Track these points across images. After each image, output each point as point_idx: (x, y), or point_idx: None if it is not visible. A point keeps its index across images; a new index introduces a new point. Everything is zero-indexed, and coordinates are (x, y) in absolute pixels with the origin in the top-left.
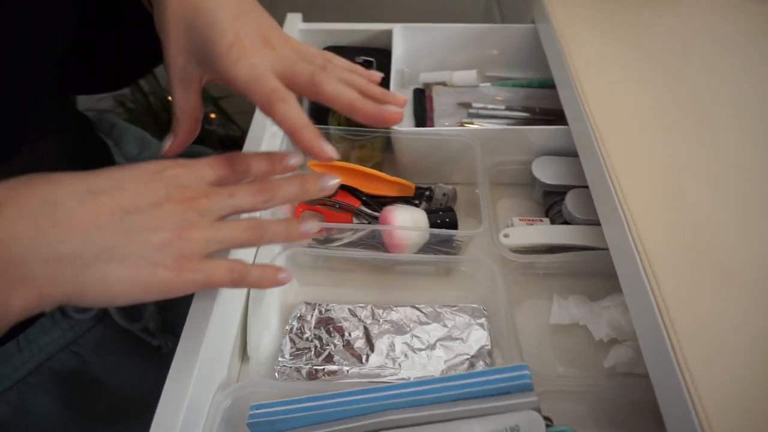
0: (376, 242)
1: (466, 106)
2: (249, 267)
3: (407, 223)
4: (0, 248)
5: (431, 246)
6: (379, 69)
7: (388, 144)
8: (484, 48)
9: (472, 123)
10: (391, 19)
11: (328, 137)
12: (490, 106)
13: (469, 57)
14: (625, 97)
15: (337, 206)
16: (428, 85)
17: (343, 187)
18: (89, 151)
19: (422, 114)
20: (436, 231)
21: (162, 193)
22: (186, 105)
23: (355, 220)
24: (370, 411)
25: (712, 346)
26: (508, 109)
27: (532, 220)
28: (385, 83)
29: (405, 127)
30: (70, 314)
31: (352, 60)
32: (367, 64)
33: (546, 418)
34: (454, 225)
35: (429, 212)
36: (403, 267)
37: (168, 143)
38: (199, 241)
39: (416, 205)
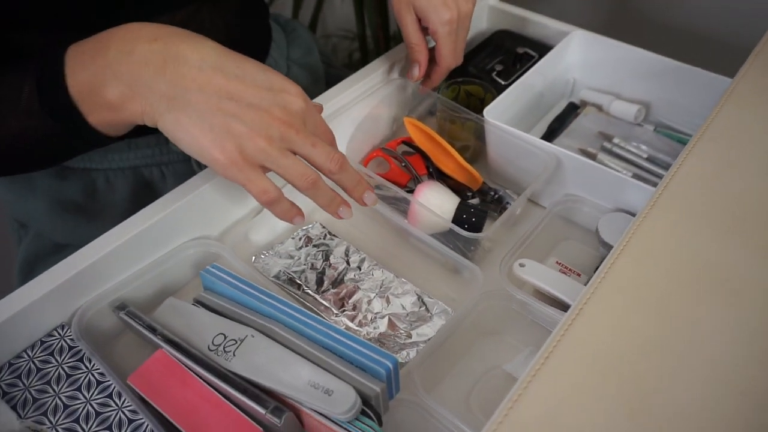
0: (403, 208)
1: (607, 138)
2: (281, 199)
3: (432, 203)
4: (137, 68)
5: (451, 237)
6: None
7: (481, 132)
8: (665, 86)
9: (595, 155)
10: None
11: (434, 105)
12: (631, 149)
13: (648, 91)
14: None
15: (404, 164)
16: (584, 103)
17: (419, 151)
18: (249, 33)
19: (557, 128)
20: (451, 225)
21: (266, 103)
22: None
23: (410, 184)
24: (271, 316)
25: None
26: (649, 160)
27: (569, 270)
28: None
29: (526, 132)
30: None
31: (515, 50)
32: (527, 57)
33: (375, 414)
34: (476, 227)
35: (462, 204)
36: (417, 244)
37: (416, 71)
38: (263, 150)
39: (467, 198)
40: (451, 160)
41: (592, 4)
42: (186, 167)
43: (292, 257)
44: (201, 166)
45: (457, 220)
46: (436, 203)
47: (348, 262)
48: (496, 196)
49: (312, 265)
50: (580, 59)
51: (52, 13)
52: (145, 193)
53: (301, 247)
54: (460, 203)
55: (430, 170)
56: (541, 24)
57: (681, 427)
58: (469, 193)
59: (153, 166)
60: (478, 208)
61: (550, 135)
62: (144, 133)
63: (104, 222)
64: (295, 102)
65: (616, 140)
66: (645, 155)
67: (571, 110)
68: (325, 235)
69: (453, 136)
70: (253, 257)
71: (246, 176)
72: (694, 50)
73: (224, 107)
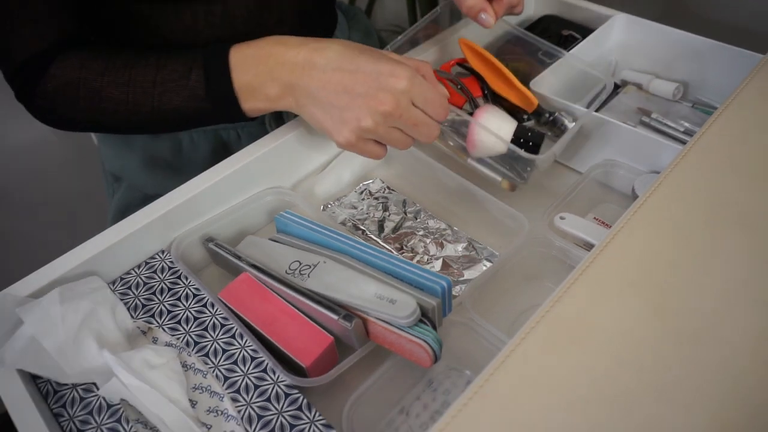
0: (463, 131)
1: (646, 113)
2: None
3: (491, 125)
4: (288, 74)
5: (507, 160)
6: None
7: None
8: (703, 66)
9: (634, 127)
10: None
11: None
12: (669, 123)
13: (687, 71)
14: None
15: (459, 86)
16: (625, 83)
17: (473, 73)
18: (319, 14)
19: (600, 105)
20: (511, 146)
21: (372, 91)
22: None
23: (466, 107)
24: (339, 249)
25: None
26: (686, 133)
27: (606, 225)
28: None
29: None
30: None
31: (560, 33)
32: (572, 39)
33: (430, 323)
34: (534, 148)
35: (520, 126)
36: (468, 195)
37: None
38: (370, 131)
39: (523, 120)
40: (505, 82)
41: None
42: (260, 129)
43: (355, 207)
44: (273, 126)
45: (516, 141)
46: (495, 125)
47: (405, 212)
48: (551, 118)
49: (373, 214)
50: (621, 41)
51: None
52: (222, 153)
53: (363, 199)
54: (518, 126)
55: (485, 92)
56: (585, 8)
57: (697, 324)
58: (525, 116)
59: (230, 128)
60: (536, 130)
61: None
62: None
63: (188, 176)
64: (399, 83)
65: (654, 115)
66: (682, 129)
67: (615, 89)
68: (385, 189)
69: (518, 69)
70: (321, 206)
71: (360, 149)
72: (729, 31)
73: (339, 101)
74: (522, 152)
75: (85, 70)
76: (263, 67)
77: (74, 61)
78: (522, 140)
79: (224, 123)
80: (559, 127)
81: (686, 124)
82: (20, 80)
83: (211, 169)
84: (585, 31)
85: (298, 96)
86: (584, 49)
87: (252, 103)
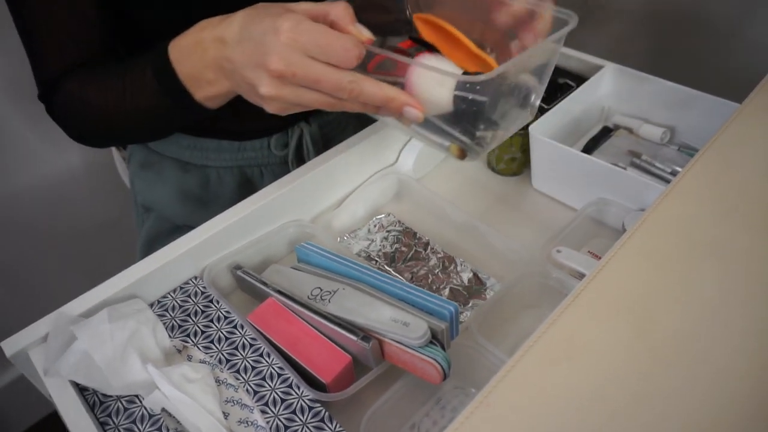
0: (401, 82)
1: (636, 155)
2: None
3: (426, 81)
4: (214, 59)
5: (456, 119)
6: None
7: (527, 146)
8: (688, 113)
9: (624, 168)
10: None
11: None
12: (657, 165)
13: (674, 117)
14: None
15: (411, 52)
16: (617, 127)
17: (428, 47)
18: None
19: (592, 147)
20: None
21: (260, 54)
22: None
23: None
24: (356, 277)
25: None
26: (672, 174)
27: (599, 258)
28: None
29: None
30: (272, 149)
31: (557, 81)
32: (567, 87)
33: (440, 344)
34: (478, 115)
35: (464, 75)
36: (471, 232)
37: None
38: (277, 98)
39: None
40: (463, 51)
41: (623, 42)
42: (282, 168)
43: (369, 240)
44: (295, 165)
45: (461, 92)
46: (433, 78)
47: (415, 245)
48: (513, 85)
49: (385, 246)
50: (612, 89)
51: None
52: (246, 187)
53: (376, 232)
54: (463, 72)
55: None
56: (579, 59)
57: (676, 344)
58: None
59: (254, 166)
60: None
61: (585, 152)
62: (250, 138)
63: (214, 209)
64: (280, 37)
65: (644, 157)
66: (669, 170)
67: (605, 133)
68: (396, 223)
69: (503, 149)
70: (338, 238)
71: (295, 110)
72: (713, 78)
73: (247, 75)
74: (467, 77)
75: (78, 83)
76: (195, 56)
77: (76, 76)
78: (468, 97)
79: (197, 118)
80: (524, 95)
81: (674, 166)
82: (45, 98)
83: (240, 204)
84: (580, 79)
85: (228, 76)
86: (579, 96)
87: (202, 92)
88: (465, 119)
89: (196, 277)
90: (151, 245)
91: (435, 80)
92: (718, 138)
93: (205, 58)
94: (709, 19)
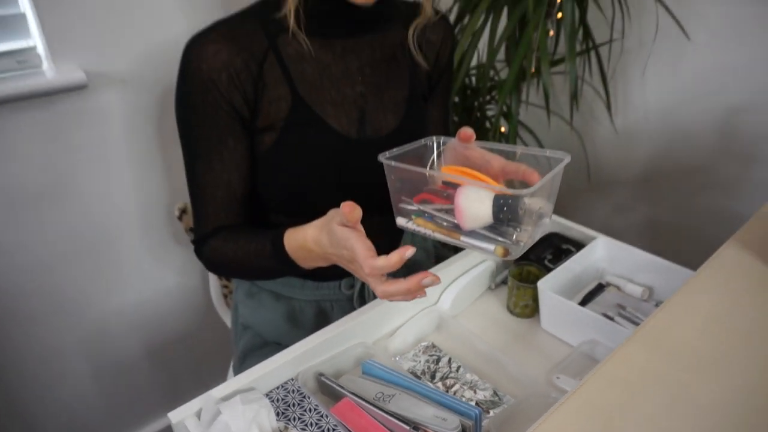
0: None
1: (622, 308)
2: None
3: (472, 193)
4: (317, 257)
5: (496, 229)
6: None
7: (536, 297)
8: (663, 277)
9: (612, 318)
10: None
11: (506, 278)
12: (639, 316)
13: (652, 279)
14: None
15: (446, 194)
16: (608, 284)
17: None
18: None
19: (588, 299)
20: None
21: (343, 261)
22: None
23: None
24: (408, 387)
25: None
26: None
27: None
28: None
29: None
30: (342, 289)
31: (561, 246)
32: (568, 251)
33: None
34: (513, 214)
35: (497, 196)
36: (491, 355)
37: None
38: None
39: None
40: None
41: (613, 217)
42: (348, 304)
43: (415, 360)
44: (358, 303)
45: (496, 213)
46: (474, 194)
47: (450, 366)
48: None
49: (428, 366)
50: (605, 255)
51: (308, 214)
52: (320, 317)
53: (421, 355)
54: (495, 195)
55: None
56: (578, 230)
57: None
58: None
59: (327, 301)
60: (513, 203)
61: (583, 303)
62: (326, 280)
63: (297, 331)
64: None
65: (629, 309)
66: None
67: (599, 288)
68: (436, 349)
69: (519, 298)
70: (393, 358)
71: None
72: (688, 250)
73: (336, 260)
74: (506, 189)
75: (221, 241)
76: (303, 251)
77: (221, 235)
78: (504, 208)
79: (296, 275)
80: (540, 212)
81: None
82: (197, 246)
83: (322, 330)
84: (579, 246)
85: (320, 261)
86: (578, 259)
87: (305, 265)
88: (505, 230)
89: (292, 379)
90: (246, 355)
91: (477, 199)
92: (673, 298)
93: (312, 253)
94: (685, 198)
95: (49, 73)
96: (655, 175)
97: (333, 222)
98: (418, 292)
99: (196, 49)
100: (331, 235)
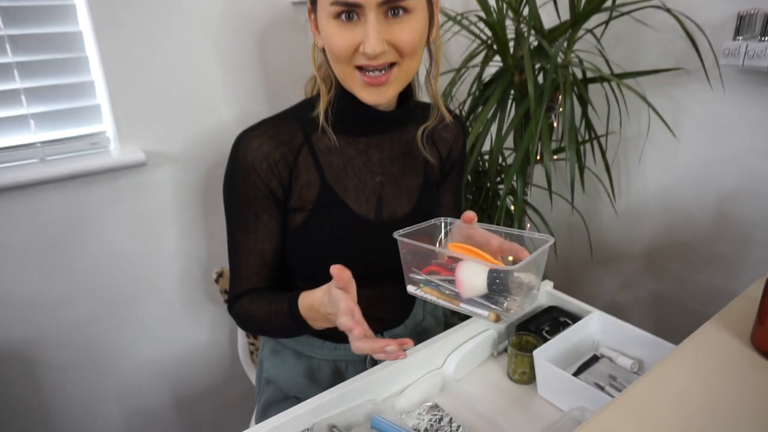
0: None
1: (613, 378)
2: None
3: (471, 267)
4: (324, 319)
5: (490, 298)
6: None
7: (533, 365)
8: (647, 351)
9: (603, 387)
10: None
11: (506, 347)
12: (627, 386)
13: (640, 352)
14: None
15: (450, 267)
16: (602, 355)
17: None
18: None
19: (583, 369)
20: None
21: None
22: None
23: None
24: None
25: None
26: None
27: None
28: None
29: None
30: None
31: (558, 318)
32: (566, 324)
33: None
34: (503, 286)
35: (491, 270)
36: (487, 414)
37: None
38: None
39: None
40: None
41: (620, 292)
42: (361, 365)
43: (420, 419)
44: (371, 363)
45: (490, 284)
46: (473, 268)
47: (451, 426)
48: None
49: (430, 425)
50: (598, 327)
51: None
52: (336, 375)
53: (425, 414)
54: (489, 270)
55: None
56: (575, 304)
57: None
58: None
59: (343, 360)
60: (504, 272)
61: (577, 374)
62: (342, 341)
63: (316, 385)
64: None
65: (619, 380)
66: None
67: (594, 359)
68: (439, 409)
69: (518, 365)
70: (399, 415)
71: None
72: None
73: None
74: (502, 266)
75: (248, 300)
76: (312, 311)
77: (249, 296)
78: (496, 280)
79: (312, 333)
80: (530, 285)
81: None
82: (230, 304)
83: (336, 386)
84: (575, 318)
85: (324, 321)
86: (575, 330)
87: (316, 325)
88: (498, 300)
89: (307, 429)
90: (268, 407)
91: (474, 273)
92: (653, 369)
93: (318, 314)
94: (687, 276)
95: (115, 153)
96: (658, 253)
97: (333, 285)
98: (383, 354)
99: (244, 142)
100: (330, 296)
